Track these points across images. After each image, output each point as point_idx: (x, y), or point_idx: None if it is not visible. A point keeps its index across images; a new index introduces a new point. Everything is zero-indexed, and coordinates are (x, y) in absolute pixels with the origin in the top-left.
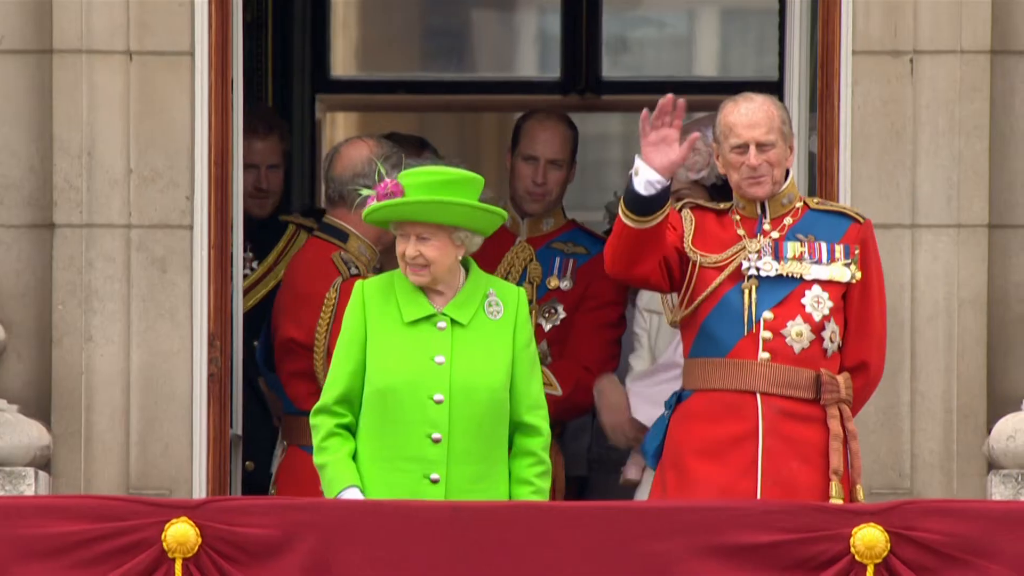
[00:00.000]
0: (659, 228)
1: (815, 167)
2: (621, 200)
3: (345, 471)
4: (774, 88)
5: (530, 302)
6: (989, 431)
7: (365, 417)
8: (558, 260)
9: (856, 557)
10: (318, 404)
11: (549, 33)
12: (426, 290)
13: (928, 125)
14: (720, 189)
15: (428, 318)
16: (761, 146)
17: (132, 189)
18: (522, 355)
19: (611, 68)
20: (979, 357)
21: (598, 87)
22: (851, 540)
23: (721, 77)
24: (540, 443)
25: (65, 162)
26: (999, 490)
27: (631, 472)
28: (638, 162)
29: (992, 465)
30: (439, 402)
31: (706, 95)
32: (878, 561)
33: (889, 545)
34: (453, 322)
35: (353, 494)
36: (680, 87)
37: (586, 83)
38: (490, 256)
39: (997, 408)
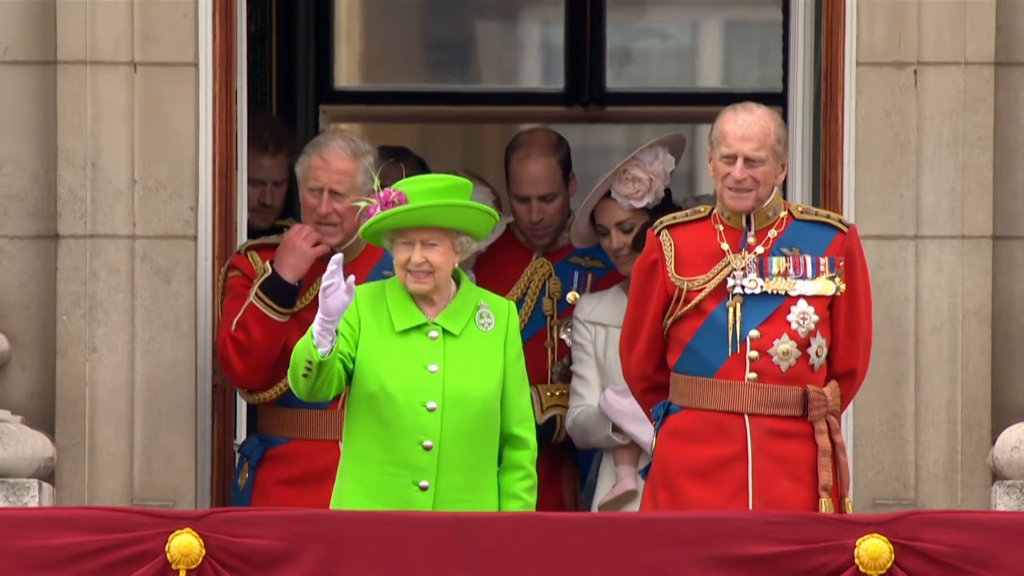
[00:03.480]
0: None
1: (819, 178)
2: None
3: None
4: (778, 100)
5: (551, 316)
6: (993, 442)
7: (355, 418)
8: (577, 274)
9: (860, 568)
10: None
11: (553, 44)
12: (417, 300)
13: (932, 136)
14: (661, 210)
15: (419, 327)
16: (749, 161)
17: (136, 200)
18: (512, 368)
19: (615, 79)
20: (983, 368)
21: (602, 98)
22: (855, 551)
23: (725, 88)
24: (528, 456)
25: (69, 173)
26: (1003, 501)
27: (629, 483)
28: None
29: (996, 476)
30: (432, 410)
31: (709, 106)
32: (882, 572)
33: (893, 556)
34: (445, 332)
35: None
36: (683, 98)
37: (590, 94)
38: (508, 272)
39: (1001, 419)
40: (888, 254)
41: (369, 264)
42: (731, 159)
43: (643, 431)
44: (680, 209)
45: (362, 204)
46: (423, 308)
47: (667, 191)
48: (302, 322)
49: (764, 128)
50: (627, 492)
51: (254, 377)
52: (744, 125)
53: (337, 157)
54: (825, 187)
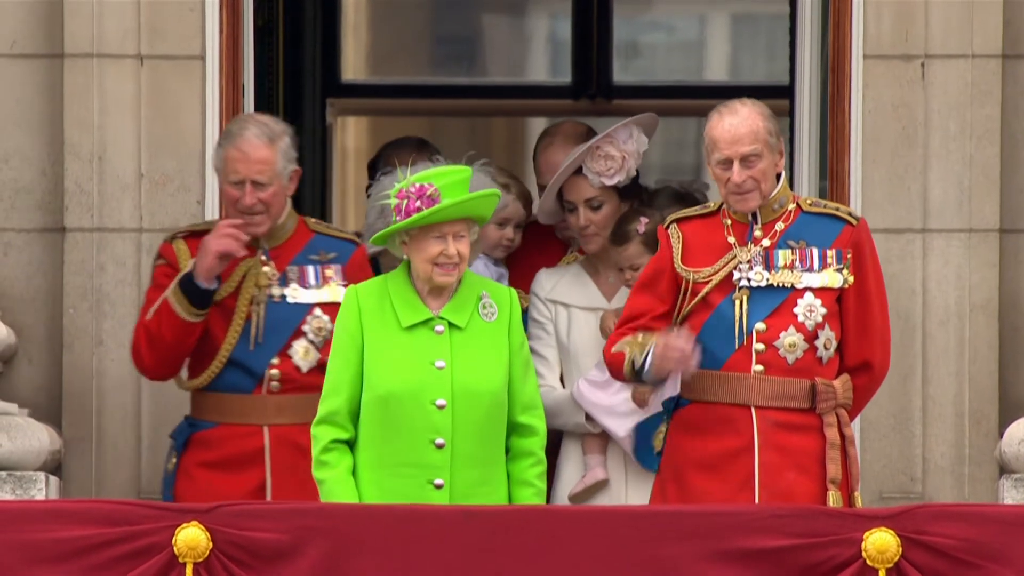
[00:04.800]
0: None
1: (826, 171)
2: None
3: (345, 488)
4: (785, 93)
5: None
6: (1000, 435)
7: (365, 424)
8: None
9: (867, 562)
10: (320, 414)
11: (560, 38)
12: (422, 294)
13: (939, 129)
14: (629, 188)
15: (425, 322)
16: (745, 160)
17: (143, 193)
18: (517, 356)
19: (622, 73)
20: (990, 361)
21: (609, 92)
22: (863, 545)
23: (732, 82)
24: (538, 442)
25: (76, 166)
26: (1011, 494)
27: (600, 473)
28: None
29: (1003, 469)
30: (441, 407)
31: (717, 99)
32: (889, 566)
33: (901, 550)
34: (451, 325)
35: None
36: (690, 92)
37: (597, 88)
38: (543, 266)
39: (1008, 412)
40: (895, 247)
41: (296, 248)
42: (727, 163)
43: (618, 425)
44: (648, 191)
45: (393, 202)
46: (427, 302)
47: (636, 172)
48: (224, 309)
49: (752, 126)
50: (598, 482)
51: (161, 369)
52: (732, 128)
53: (254, 147)
54: (832, 180)
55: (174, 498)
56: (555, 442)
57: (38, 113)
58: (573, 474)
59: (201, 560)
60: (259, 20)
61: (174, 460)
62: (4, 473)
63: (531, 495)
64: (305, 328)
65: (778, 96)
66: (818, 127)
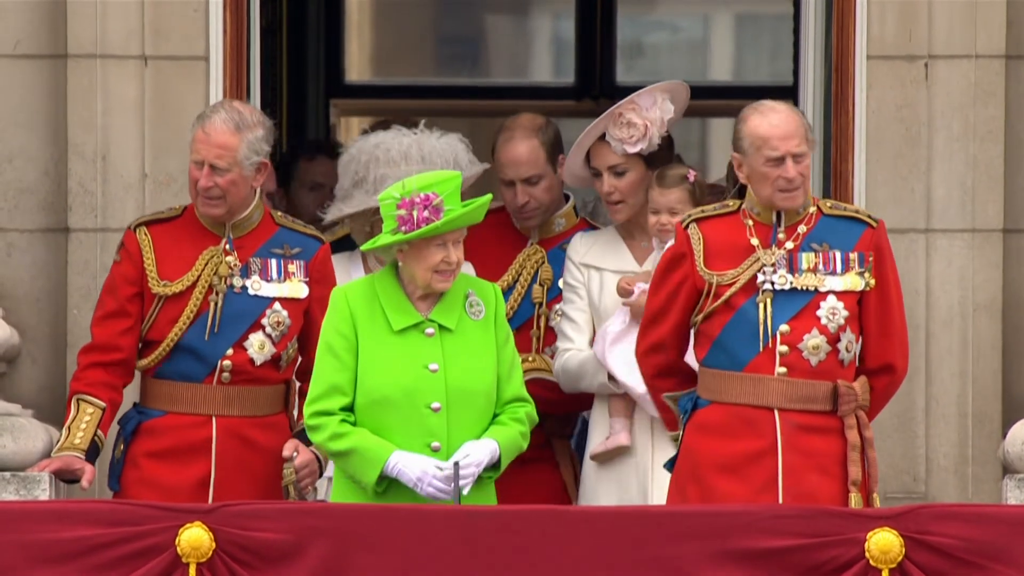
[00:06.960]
0: None
1: (830, 171)
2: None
3: (380, 445)
4: (789, 93)
5: (540, 304)
6: (1004, 435)
7: (360, 426)
8: None
9: (871, 562)
10: (317, 410)
11: (563, 38)
12: (412, 296)
13: (943, 130)
14: (659, 157)
15: (416, 325)
16: (796, 157)
17: (147, 193)
18: (504, 353)
19: (625, 73)
20: (994, 361)
21: (612, 92)
22: (866, 544)
23: (736, 82)
24: (527, 408)
25: (80, 166)
26: (1014, 494)
27: (623, 438)
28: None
29: (1007, 469)
30: (436, 410)
31: (721, 100)
32: (893, 566)
33: (904, 550)
34: (441, 327)
35: (400, 457)
36: (695, 92)
37: (600, 88)
38: (501, 257)
39: (1012, 412)
40: (899, 248)
41: (260, 240)
42: (778, 161)
43: (638, 381)
44: (681, 160)
45: (396, 212)
46: (417, 305)
47: (670, 138)
48: (184, 296)
49: (798, 122)
50: (619, 447)
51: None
52: (781, 124)
53: (217, 132)
54: (836, 181)
55: (119, 486)
56: (585, 406)
57: (42, 114)
58: (601, 438)
59: (204, 560)
60: (263, 20)
61: (121, 447)
62: (8, 474)
63: (513, 432)
64: (264, 321)
65: (782, 96)
66: (822, 128)
